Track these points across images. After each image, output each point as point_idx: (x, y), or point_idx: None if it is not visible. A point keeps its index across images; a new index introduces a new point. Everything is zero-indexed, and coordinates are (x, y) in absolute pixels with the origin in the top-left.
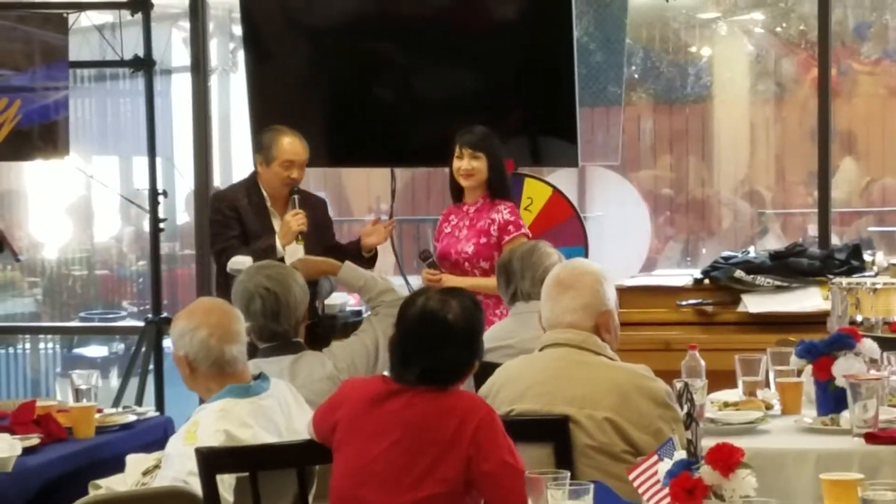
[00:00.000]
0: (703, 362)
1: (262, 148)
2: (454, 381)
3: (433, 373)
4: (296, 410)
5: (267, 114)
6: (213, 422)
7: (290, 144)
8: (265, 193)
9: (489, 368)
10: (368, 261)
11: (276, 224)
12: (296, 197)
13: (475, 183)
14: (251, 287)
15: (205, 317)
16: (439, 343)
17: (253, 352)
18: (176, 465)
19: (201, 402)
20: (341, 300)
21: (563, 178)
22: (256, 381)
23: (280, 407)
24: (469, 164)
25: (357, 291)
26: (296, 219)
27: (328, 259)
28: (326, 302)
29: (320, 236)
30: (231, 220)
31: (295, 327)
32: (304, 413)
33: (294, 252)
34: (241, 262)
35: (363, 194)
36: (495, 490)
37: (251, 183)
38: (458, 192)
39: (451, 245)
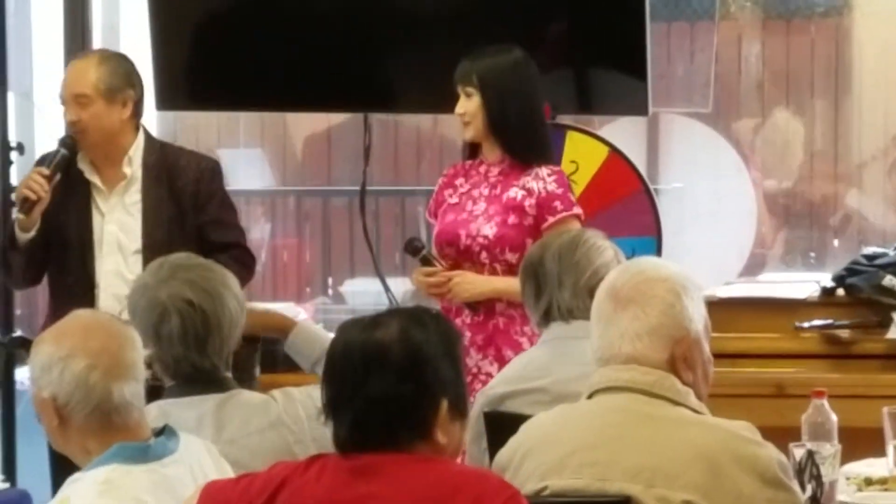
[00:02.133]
0: (834, 417)
1: None
2: (406, 434)
3: (363, 422)
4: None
5: (176, 33)
6: (91, 500)
7: (67, 72)
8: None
9: (509, 423)
10: None
11: (102, 203)
12: (61, 151)
13: (474, 134)
14: (165, 298)
15: (82, 339)
16: (362, 372)
17: (156, 393)
18: None
19: (75, 468)
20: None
21: (625, 133)
22: (159, 437)
23: (193, 478)
24: (460, 106)
25: (310, 368)
26: (26, 179)
27: (284, 315)
28: None
29: (180, 222)
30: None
31: (227, 360)
32: None
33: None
34: None
35: (320, 155)
36: None
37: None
38: (473, 148)
39: (458, 224)
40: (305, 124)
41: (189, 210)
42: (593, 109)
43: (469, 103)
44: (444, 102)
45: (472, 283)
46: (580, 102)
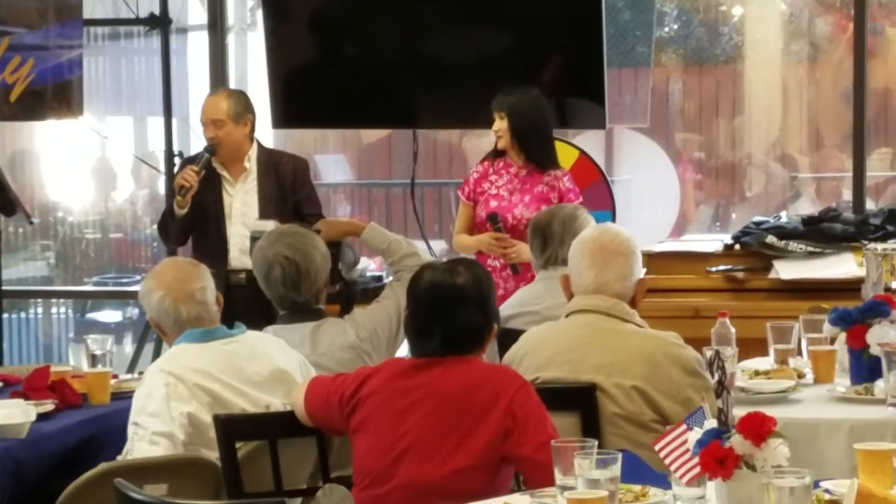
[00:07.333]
0: (733, 330)
1: None
2: (474, 347)
3: (452, 339)
4: (278, 355)
5: (286, 75)
6: (158, 364)
7: (205, 103)
8: (220, 160)
9: (513, 335)
10: None
11: (230, 189)
12: (206, 155)
13: (504, 144)
14: (271, 255)
15: (160, 277)
16: (451, 307)
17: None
18: (139, 429)
19: None
20: (362, 265)
21: (590, 141)
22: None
23: (253, 349)
24: (496, 126)
25: (380, 254)
26: (181, 173)
27: (352, 220)
28: None
29: (283, 200)
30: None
31: (316, 296)
32: (286, 357)
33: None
34: (262, 224)
35: (384, 157)
36: (533, 473)
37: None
38: (496, 150)
39: (503, 209)
40: (373, 137)
41: (289, 192)
42: (568, 125)
43: (502, 124)
44: (470, 121)
45: (526, 250)
46: (560, 120)
